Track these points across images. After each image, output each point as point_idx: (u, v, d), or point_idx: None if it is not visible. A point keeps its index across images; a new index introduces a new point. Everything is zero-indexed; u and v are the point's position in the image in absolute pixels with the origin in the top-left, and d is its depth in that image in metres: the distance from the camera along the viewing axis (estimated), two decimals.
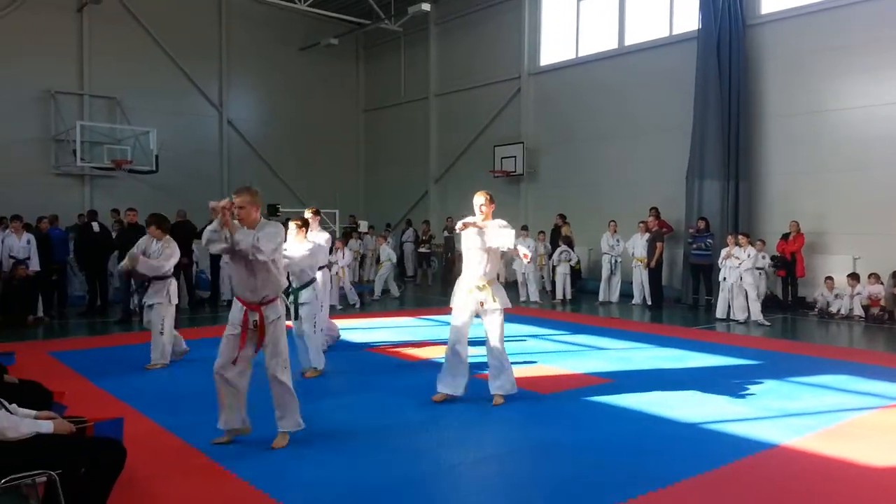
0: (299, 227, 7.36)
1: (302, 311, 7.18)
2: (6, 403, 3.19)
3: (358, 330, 10.40)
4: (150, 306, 7.53)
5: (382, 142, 22.62)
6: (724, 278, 11.42)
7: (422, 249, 18.37)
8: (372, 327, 10.72)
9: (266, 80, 20.65)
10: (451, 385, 5.95)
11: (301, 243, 7.27)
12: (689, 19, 14.48)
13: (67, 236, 13.23)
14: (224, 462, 4.50)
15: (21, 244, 11.07)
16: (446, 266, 17.04)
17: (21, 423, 3.05)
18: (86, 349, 8.39)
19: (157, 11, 18.20)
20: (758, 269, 11.90)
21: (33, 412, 3.31)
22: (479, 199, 6.09)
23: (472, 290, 5.91)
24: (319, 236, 8.27)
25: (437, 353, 8.25)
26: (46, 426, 3.13)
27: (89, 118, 16.99)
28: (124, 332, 9.88)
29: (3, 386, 4.14)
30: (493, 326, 5.95)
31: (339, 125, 22.37)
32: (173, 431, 4.98)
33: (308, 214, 8.35)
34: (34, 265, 11.04)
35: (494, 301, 5.88)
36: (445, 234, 17.49)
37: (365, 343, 9.28)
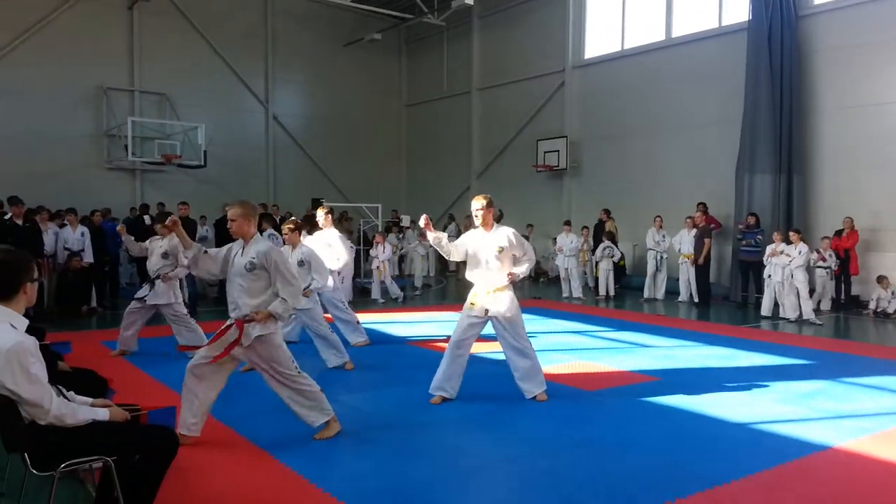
0: (291, 230, 7.11)
1: (305, 315, 7.14)
2: (64, 391, 3.28)
3: (399, 324, 10.46)
4: (159, 305, 7.63)
5: (425, 136, 22.64)
6: (769, 276, 11.17)
7: None
8: (413, 321, 10.76)
9: (310, 75, 20.86)
10: (449, 388, 5.88)
11: (292, 255, 7.03)
12: (738, 10, 14.13)
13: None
14: (271, 451, 4.58)
15: (75, 236, 11.42)
16: None
17: (78, 410, 3.13)
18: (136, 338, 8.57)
19: (205, 8, 18.53)
20: (823, 268, 11.52)
21: (89, 399, 3.40)
22: (477, 203, 5.85)
23: (476, 295, 5.87)
24: (331, 236, 8.23)
25: (478, 349, 8.24)
26: (103, 413, 3.21)
27: (140, 114, 17.40)
28: None
29: (59, 374, 4.27)
30: (513, 329, 5.86)
31: (381, 120, 22.48)
32: (222, 420, 5.07)
33: (320, 214, 8.28)
34: (88, 257, 11.38)
35: (501, 304, 5.80)
36: None
37: (406, 337, 9.33)
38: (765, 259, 11.36)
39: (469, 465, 4.49)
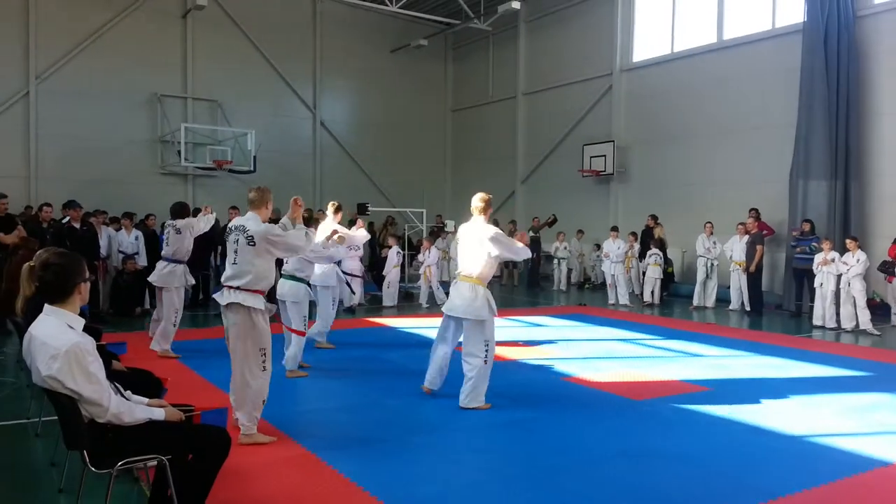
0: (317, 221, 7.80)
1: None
2: (122, 389, 3.37)
3: None
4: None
5: (470, 141, 22.65)
6: (821, 284, 10.85)
7: None
8: None
9: (357, 82, 21.09)
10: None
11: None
12: (793, 11, 13.78)
13: None
14: (319, 453, 4.63)
15: (130, 240, 11.77)
16: (532, 266, 16.91)
17: (136, 408, 3.21)
18: (188, 340, 8.80)
19: (256, 16, 18.91)
20: None
21: (145, 399, 3.48)
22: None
23: None
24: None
25: (524, 355, 8.20)
26: (158, 413, 3.28)
27: (192, 120, 17.81)
28: (223, 324, 10.29)
29: (115, 373, 4.39)
30: None
31: (427, 125, 22.59)
32: (271, 421, 5.15)
33: (330, 210, 8.36)
34: (142, 260, 11.70)
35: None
36: (531, 234, 17.37)
37: None
38: (814, 268, 11.05)
39: (513, 472, 4.46)
